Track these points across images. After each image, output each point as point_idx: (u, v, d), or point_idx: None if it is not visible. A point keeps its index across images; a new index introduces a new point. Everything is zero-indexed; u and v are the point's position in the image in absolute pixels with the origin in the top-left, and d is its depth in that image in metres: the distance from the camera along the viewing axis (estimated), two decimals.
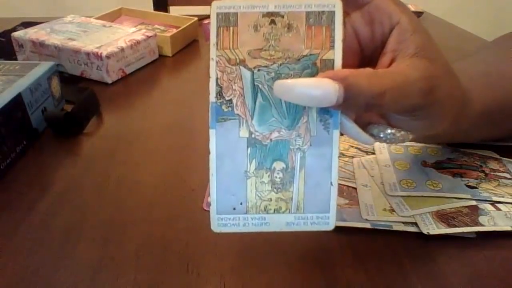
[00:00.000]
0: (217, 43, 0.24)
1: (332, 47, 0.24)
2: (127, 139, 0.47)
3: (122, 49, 0.62)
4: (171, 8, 1.14)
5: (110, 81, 0.62)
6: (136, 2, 0.97)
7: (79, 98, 0.52)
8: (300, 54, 0.24)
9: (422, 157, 0.41)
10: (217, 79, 0.25)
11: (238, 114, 0.25)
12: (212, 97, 0.25)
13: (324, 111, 0.25)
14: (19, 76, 0.47)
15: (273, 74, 0.24)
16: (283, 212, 0.26)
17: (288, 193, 0.26)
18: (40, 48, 0.64)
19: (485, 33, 0.82)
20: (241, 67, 0.24)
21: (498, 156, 0.41)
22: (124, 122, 0.51)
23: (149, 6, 1.08)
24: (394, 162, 0.40)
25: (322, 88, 0.23)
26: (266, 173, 0.25)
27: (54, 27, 0.68)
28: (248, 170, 0.25)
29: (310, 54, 0.24)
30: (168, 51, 0.72)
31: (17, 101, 0.43)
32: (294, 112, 0.25)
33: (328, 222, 0.26)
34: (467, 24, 0.98)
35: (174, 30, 0.75)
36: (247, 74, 0.24)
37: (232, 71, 0.24)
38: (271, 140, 0.25)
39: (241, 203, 0.26)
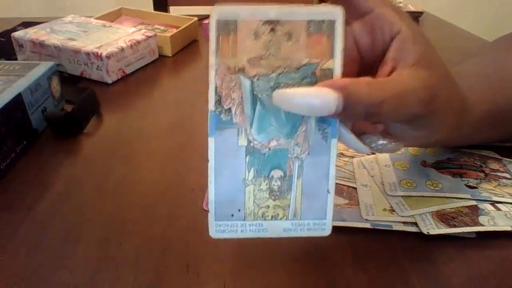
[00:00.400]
0: (216, 51, 0.24)
1: (332, 56, 0.24)
2: (127, 139, 0.47)
3: (122, 49, 0.62)
4: (171, 8, 1.14)
5: (110, 81, 0.62)
6: (136, 2, 0.97)
7: (79, 98, 0.52)
8: (299, 63, 0.24)
9: (422, 157, 0.41)
10: (216, 87, 0.24)
11: (237, 123, 0.25)
12: (211, 106, 0.24)
13: (322, 120, 0.25)
14: (19, 76, 0.47)
15: (272, 83, 0.24)
16: (281, 219, 0.26)
17: (285, 201, 0.26)
18: (40, 48, 0.64)
19: (485, 33, 0.82)
20: (240, 75, 0.24)
21: (498, 156, 0.41)
22: (124, 122, 0.51)
23: (149, 6, 1.08)
24: (394, 162, 0.40)
25: (321, 97, 0.22)
26: (264, 181, 0.26)
27: (54, 27, 0.68)
28: (246, 178, 0.25)
29: (310, 64, 0.24)
30: (168, 51, 0.72)
31: (17, 101, 0.43)
32: (293, 121, 0.25)
33: (324, 228, 0.26)
34: (467, 24, 0.98)
35: (174, 30, 0.75)
36: (246, 82, 0.24)
37: (231, 80, 0.24)
38: (269, 148, 0.25)
39: (239, 210, 0.26)
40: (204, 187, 0.38)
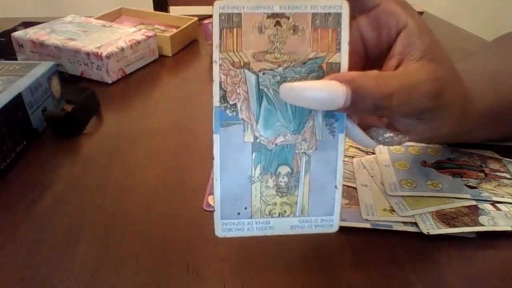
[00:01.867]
0: (220, 45, 0.23)
1: (338, 50, 0.24)
2: (127, 139, 0.47)
3: (122, 49, 0.62)
4: (171, 8, 1.14)
5: (110, 81, 0.62)
6: (136, 2, 0.97)
7: (79, 98, 0.52)
8: (306, 57, 0.24)
9: (422, 157, 0.41)
10: (220, 82, 0.24)
11: (242, 119, 0.24)
12: (216, 102, 0.24)
13: (329, 115, 0.25)
14: (19, 76, 0.47)
15: (278, 78, 0.24)
16: (288, 216, 0.26)
17: (293, 197, 0.26)
18: (40, 48, 0.64)
19: (485, 33, 0.82)
20: (245, 70, 0.24)
21: (498, 156, 0.41)
22: (124, 122, 0.51)
23: (149, 6, 1.08)
24: (394, 162, 0.40)
25: (329, 91, 0.22)
26: (271, 177, 0.25)
27: (54, 27, 0.68)
28: (252, 175, 0.25)
29: (316, 57, 0.24)
30: (168, 51, 0.72)
31: (17, 101, 0.43)
32: (300, 116, 0.25)
33: (332, 224, 0.26)
34: (467, 23, 0.98)
35: (174, 30, 0.75)
36: (251, 77, 0.24)
37: (236, 75, 0.24)
38: (276, 144, 0.25)
39: (245, 208, 0.26)
40: (204, 187, 0.38)
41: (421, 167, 0.40)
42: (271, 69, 0.24)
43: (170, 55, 0.73)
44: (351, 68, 0.24)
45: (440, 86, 0.25)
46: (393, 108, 0.24)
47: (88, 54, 0.61)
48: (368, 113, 0.26)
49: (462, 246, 0.32)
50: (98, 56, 0.60)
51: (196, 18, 0.80)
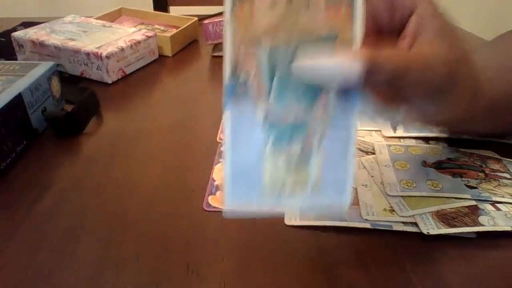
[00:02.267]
0: (231, 21, 0.23)
1: (351, 27, 0.23)
2: (127, 139, 0.47)
3: (122, 49, 0.62)
4: (171, 8, 1.14)
5: (110, 81, 0.62)
6: (136, 2, 0.97)
7: (79, 98, 0.52)
8: (318, 34, 0.23)
9: (422, 157, 0.41)
10: (231, 59, 0.23)
11: (253, 95, 0.24)
12: (227, 78, 0.23)
13: (342, 92, 0.24)
14: (19, 76, 0.47)
15: (290, 54, 0.23)
16: (299, 194, 0.25)
17: (304, 175, 0.25)
18: (40, 48, 0.64)
19: (485, 33, 0.82)
20: (257, 46, 0.23)
21: (498, 156, 0.41)
22: (124, 122, 0.51)
23: (149, 6, 1.08)
24: (394, 162, 0.40)
25: (343, 65, 0.22)
26: (283, 154, 0.25)
27: (54, 27, 0.68)
28: (264, 151, 0.25)
29: (329, 34, 0.23)
30: (168, 51, 0.72)
31: (17, 101, 0.43)
32: (312, 93, 0.24)
33: (343, 203, 0.26)
34: (466, 24, 0.98)
35: (174, 30, 0.75)
36: (263, 53, 0.23)
37: (247, 51, 0.23)
38: (288, 121, 0.24)
39: (255, 184, 0.25)
40: (204, 187, 0.38)
41: (421, 167, 0.40)
42: (283, 45, 0.23)
43: (170, 55, 0.73)
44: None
45: (453, 66, 0.25)
46: (406, 83, 0.24)
47: (88, 54, 0.61)
48: (383, 87, 0.25)
49: (462, 246, 0.32)
50: (98, 56, 0.60)
51: (196, 18, 0.80)
